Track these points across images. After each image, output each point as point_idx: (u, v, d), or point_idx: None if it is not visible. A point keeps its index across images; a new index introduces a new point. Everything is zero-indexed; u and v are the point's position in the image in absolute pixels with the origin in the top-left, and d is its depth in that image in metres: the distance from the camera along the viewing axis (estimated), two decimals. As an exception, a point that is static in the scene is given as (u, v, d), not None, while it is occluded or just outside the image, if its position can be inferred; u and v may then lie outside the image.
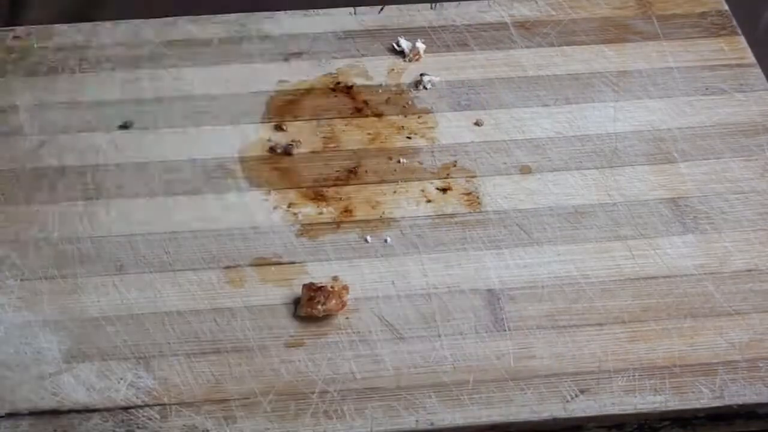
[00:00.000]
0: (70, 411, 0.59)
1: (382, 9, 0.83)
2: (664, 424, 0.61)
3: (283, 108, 0.75)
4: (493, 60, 0.79)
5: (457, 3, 0.84)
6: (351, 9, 0.82)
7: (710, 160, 0.73)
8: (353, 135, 0.74)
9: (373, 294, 0.65)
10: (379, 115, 0.75)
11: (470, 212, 0.70)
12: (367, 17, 0.82)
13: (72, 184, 0.70)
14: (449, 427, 0.59)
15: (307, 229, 0.68)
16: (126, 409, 0.59)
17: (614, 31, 0.82)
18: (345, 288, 0.64)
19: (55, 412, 0.59)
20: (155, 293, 0.64)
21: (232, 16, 0.78)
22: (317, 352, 0.62)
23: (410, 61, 0.79)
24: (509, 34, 0.82)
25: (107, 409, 0.59)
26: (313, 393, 0.60)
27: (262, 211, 0.69)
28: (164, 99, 0.74)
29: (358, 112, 0.75)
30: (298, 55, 0.79)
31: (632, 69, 0.79)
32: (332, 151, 0.73)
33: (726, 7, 0.84)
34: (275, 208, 0.69)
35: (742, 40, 0.81)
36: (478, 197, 0.71)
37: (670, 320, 0.64)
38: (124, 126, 0.74)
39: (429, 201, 0.70)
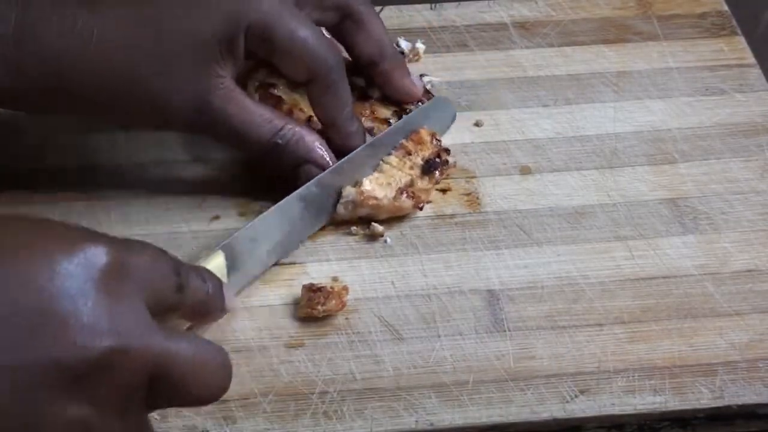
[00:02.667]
0: (69, 411, 0.59)
1: (381, 9, 0.82)
2: (664, 424, 0.61)
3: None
4: (493, 60, 0.80)
5: (456, 3, 0.84)
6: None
7: (710, 160, 0.73)
8: (353, 135, 0.74)
9: (372, 294, 0.65)
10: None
11: (470, 213, 0.70)
12: (367, 17, 0.82)
13: (72, 184, 0.70)
14: (449, 428, 0.59)
15: (307, 230, 0.68)
16: (126, 409, 0.59)
17: (614, 32, 0.82)
18: (345, 288, 0.64)
19: (54, 413, 0.59)
20: (155, 293, 0.64)
21: (232, 17, 0.77)
22: (317, 352, 0.62)
23: (410, 61, 0.79)
24: (509, 34, 0.82)
25: (107, 410, 0.59)
26: (312, 393, 0.60)
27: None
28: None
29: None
30: (298, 55, 0.79)
31: (632, 69, 0.79)
32: (332, 151, 0.73)
33: (726, 8, 0.84)
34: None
35: (742, 41, 0.82)
36: (477, 198, 0.71)
37: (670, 321, 0.64)
38: (125, 126, 0.74)
39: (428, 201, 0.70)
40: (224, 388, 0.49)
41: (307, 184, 0.66)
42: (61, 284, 0.43)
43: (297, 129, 0.67)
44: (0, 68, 0.62)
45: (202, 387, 0.48)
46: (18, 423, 0.42)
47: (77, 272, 0.44)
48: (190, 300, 0.52)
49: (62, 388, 0.43)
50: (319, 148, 0.67)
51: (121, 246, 0.46)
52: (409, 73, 0.72)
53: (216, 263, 0.61)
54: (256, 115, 0.66)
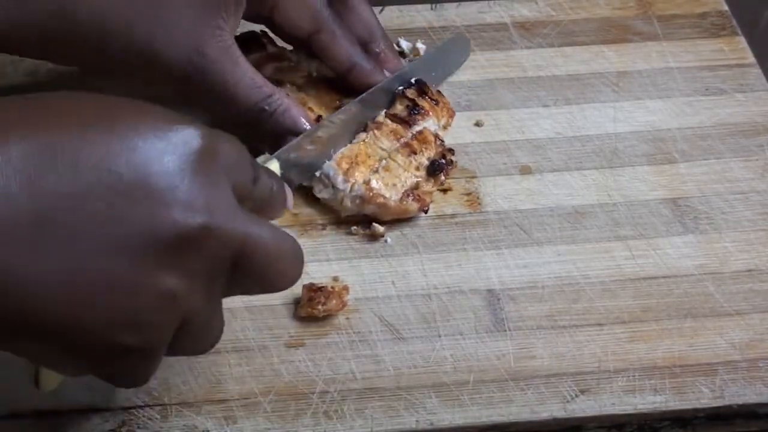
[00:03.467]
0: (70, 411, 0.59)
1: (382, 10, 0.83)
2: (665, 424, 0.61)
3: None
4: (493, 60, 0.80)
5: (457, 4, 0.84)
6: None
7: (710, 160, 0.73)
8: (353, 135, 0.74)
9: (373, 294, 0.65)
10: (379, 116, 0.75)
11: (470, 212, 0.70)
12: (367, 18, 0.82)
13: (72, 184, 0.70)
14: (449, 427, 0.59)
15: (308, 229, 0.68)
16: (126, 409, 0.59)
17: (614, 32, 0.82)
18: (345, 288, 0.64)
19: (55, 413, 0.59)
20: (155, 293, 0.64)
21: (233, 17, 0.78)
22: (317, 352, 0.62)
23: (410, 61, 0.79)
24: (509, 34, 0.82)
25: (107, 410, 0.59)
26: (313, 393, 0.60)
27: (262, 211, 0.69)
28: (164, 98, 0.74)
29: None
30: (298, 55, 0.79)
31: (632, 69, 0.79)
32: (332, 151, 0.73)
33: (726, 7, 0.84)
34: (275, 208, 0.69)
35: (742, 40, 0.82)
36: (478, 197, 0.71)
37: (671, 320, 0.64)
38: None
39: (429, 201, 0.70)
40: (298, 276, 0.52)
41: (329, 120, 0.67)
42: (160, 161, 0.45)
43: (286, 100, 0.67)
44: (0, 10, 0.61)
45: (280, 272, 0.50)
46: (115, 288, 0.44)
47: (175, 151, 0.45)
48: (259, 193, 0.53)
49: (157, 260, 0.44)
50: (305, 123, 0.67)
51: (212, 132, 0.48)
52: (398, 56, 0.74)
53: (273, 168, 0.61)
54: (249, 76, 0.66)
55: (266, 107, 0.66)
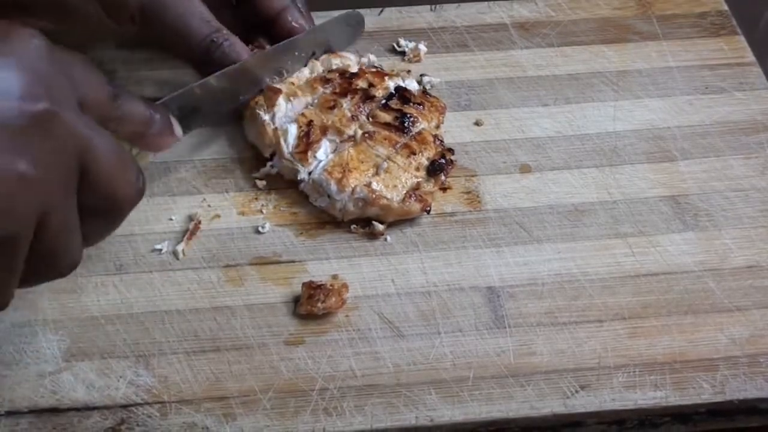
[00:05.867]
0: (69, 409, 0.59)
1: (382, 11, 0.83)
2: (665, 419, 0.61)
3: (283, 109, 0.75)
4: (493, 60, 0.80)
5: (456, 4, 0.84)
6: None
7: (710, 158, 0.73)
8: (353, 135, 0.74)
9: (372, 292, 0.65)
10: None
11: (470, 211, 0.70)
12: (367, 19, 0.82)
13: (72, 184, 0.70)
14: (449, 424, 0.59)
15: (307, 228, 0.68)
16: (125, 407, 0.59)
17: (614, 32, 0.82)
18: (344, 286, 0.64)
19: (54, 410, 0.59)
20: (155, 292, 0.65)
21: (233, 19, 0.78)
22: (317, 349, 0.62)
23: (410, 61, 0.79)
24: (509, 34, 0.82)
25: (107, 407, 0.59)
26: (312, 390, 0.60)
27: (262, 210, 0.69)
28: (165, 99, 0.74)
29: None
30: (298, 56, 0.79)
31: (632, 69, 0.79)
32: (332, 151, 0.73)
33: (726, 7, 0.84)
34: (275, 207, 0.69)
35: (742, 40, 0.82)
36: (478, 196, 0.71)
37: (671, 316, 0.64)
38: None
39: (431, 202, 0.70)
40: (143, 190, 0.55)
41: (228, 68, 0.69)
42: (2, 58, 0.49)
43: (232, 37, 0.70)
44: None
45: (125, 182, 0.53)
46: None
47: (17, 51, 0.49)
48: (129, 115, 0.56)
49: (7, 144, 0.47)
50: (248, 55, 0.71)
51: (57, 46, 0.51)
52: (312, 20, 0.76)
53: None
54: (200, 11, 0.70)
55: (215, 39, 0.69)
